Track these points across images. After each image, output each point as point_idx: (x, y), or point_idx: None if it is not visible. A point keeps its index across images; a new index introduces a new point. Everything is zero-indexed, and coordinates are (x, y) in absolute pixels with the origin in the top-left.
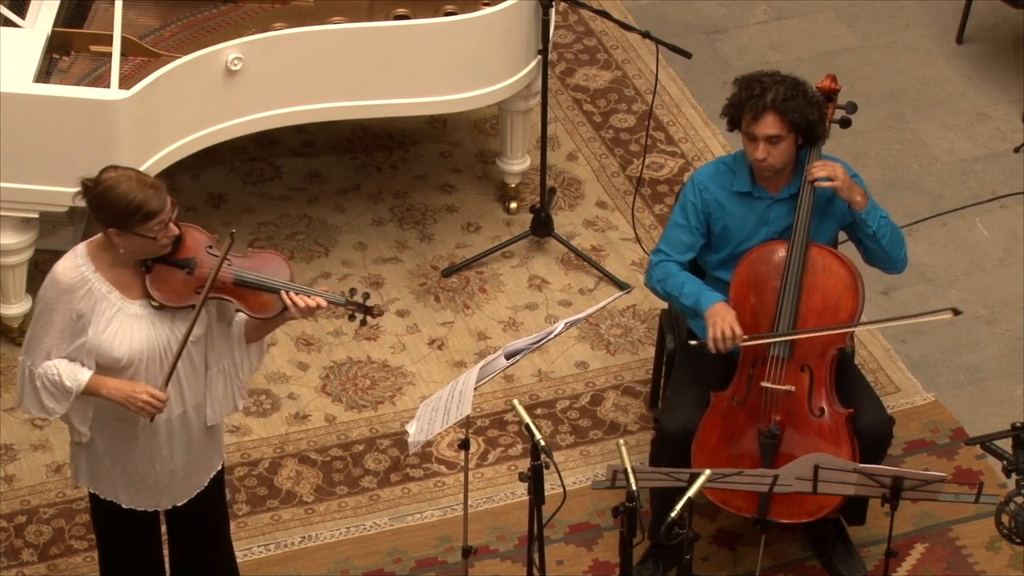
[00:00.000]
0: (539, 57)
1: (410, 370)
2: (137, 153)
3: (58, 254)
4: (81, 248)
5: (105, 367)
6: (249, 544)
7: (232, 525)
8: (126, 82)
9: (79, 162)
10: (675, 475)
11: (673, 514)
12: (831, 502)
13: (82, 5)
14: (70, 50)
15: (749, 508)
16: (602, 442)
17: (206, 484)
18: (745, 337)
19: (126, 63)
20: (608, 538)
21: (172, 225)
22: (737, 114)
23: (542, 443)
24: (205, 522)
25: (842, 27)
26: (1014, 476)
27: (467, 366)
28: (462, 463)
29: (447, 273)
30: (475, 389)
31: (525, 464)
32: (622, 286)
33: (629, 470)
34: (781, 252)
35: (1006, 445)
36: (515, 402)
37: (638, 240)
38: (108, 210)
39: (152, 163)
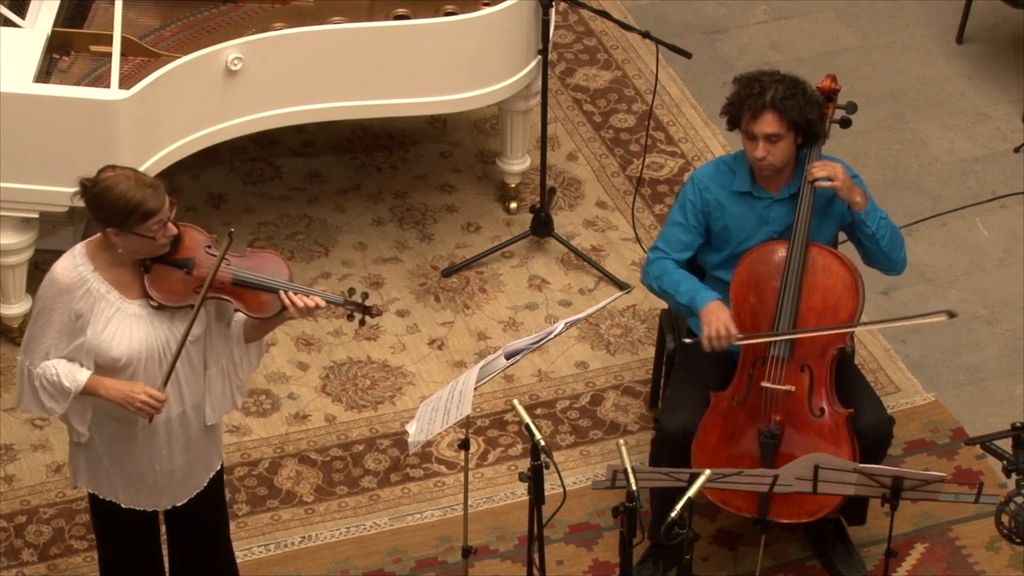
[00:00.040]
0: (539, 57)
1: (410, 370)
2: (137, 153)
3: (58, 254)
4: (80, 248)
5: (104, 367)
6: (249, 544)
7: (232, 525)
8: (126, 82)
9: (79, 162)
10: (675, 475)
11: (673, 514)
12: (831, 502)
13: (82, 5)
14: (70, 50)
15: (749, 508)
16: (602, 442)
17: (205, 484)
18: (739, 336)
19: (126, 63)
20: (608, 538)
21: (171, 225)
22: (736, 113)
23: (542, 443)
24: (205, 522)
25: (842, 27)
26: (1014, 476)
27: (467, 366)
28: (462, 463)
29: (447, 273)
30: (475, 389)
31: (525, 464)
32: (622, 286)
33: (629, 470)
34: (781, 252)
35: (1006, 445)
36: (515, 402)
37: (638, 240)
38: (106, 209)
39: (152, 163)
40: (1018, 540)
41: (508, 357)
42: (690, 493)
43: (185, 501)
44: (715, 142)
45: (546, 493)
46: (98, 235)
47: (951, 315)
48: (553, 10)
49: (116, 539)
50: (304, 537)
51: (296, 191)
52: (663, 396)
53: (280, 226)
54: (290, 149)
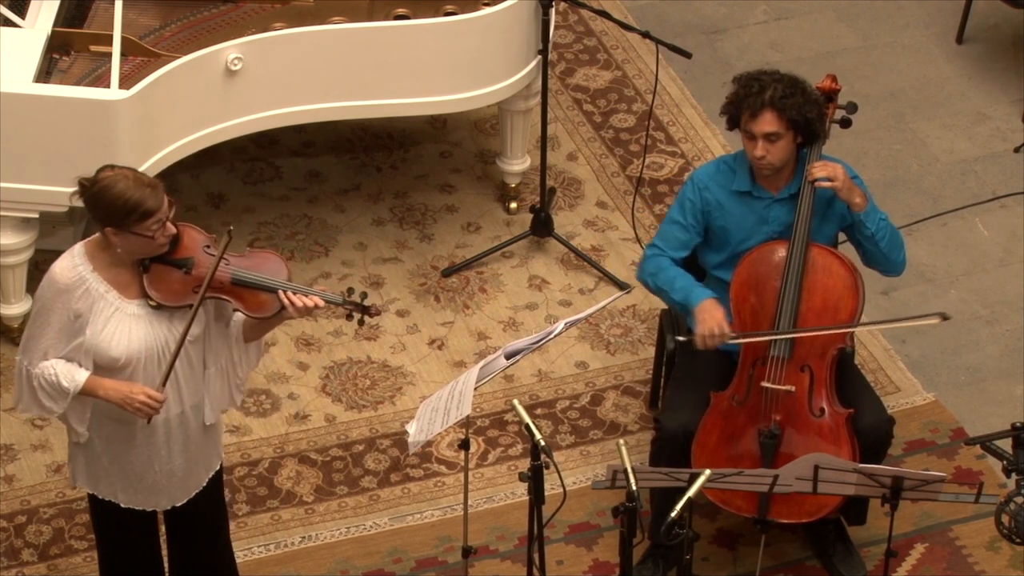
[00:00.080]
0: (539, 57)
1: (410, 370)
2: (137, 153)
3: (58, 254)
4: (79, 248)
5: (103, 367)
6: (249, 544)
7: (232, 525)
8: (126, 82)
9: (79, 162)
10: (675, 475)
11: (673, 514)
12: (831, 502)
13: (82, 5)
14: (70, 50)
15: (749, 508)
16: (602, 442)
17: (205, 484)
18: (733, 335)
19: (126, 63)
20: (608, 538)
21: (169, 224)
22: (736, 112)
23: (542, 443)
24: (204, 522)
25: (842, 27)
26: (1014, 476)
27: (467, 366)
28: (462, 463)
29: (447, 273)
30: (475, 389)
31: (525, 464)
32: (622, 286)
33: (629, 470)
34: (781, 252)
35: (1006, 445)
36: (515, 402)
37: (638, 240)
38: (105, 209)
39: (152, 163)
40: (1018, 540)
41: (508, 357)
42: (690, 493)
43: (184, 501)
44: (715, 142)
45: (546, 493)
46: (97, 235)
47: (944, 318)
48: (553, 10)
49: (116, 539)
50: (304, 537)
51: (296, 191)
52: (663, 396)
53: (280, 226)
54: (290, 149)
